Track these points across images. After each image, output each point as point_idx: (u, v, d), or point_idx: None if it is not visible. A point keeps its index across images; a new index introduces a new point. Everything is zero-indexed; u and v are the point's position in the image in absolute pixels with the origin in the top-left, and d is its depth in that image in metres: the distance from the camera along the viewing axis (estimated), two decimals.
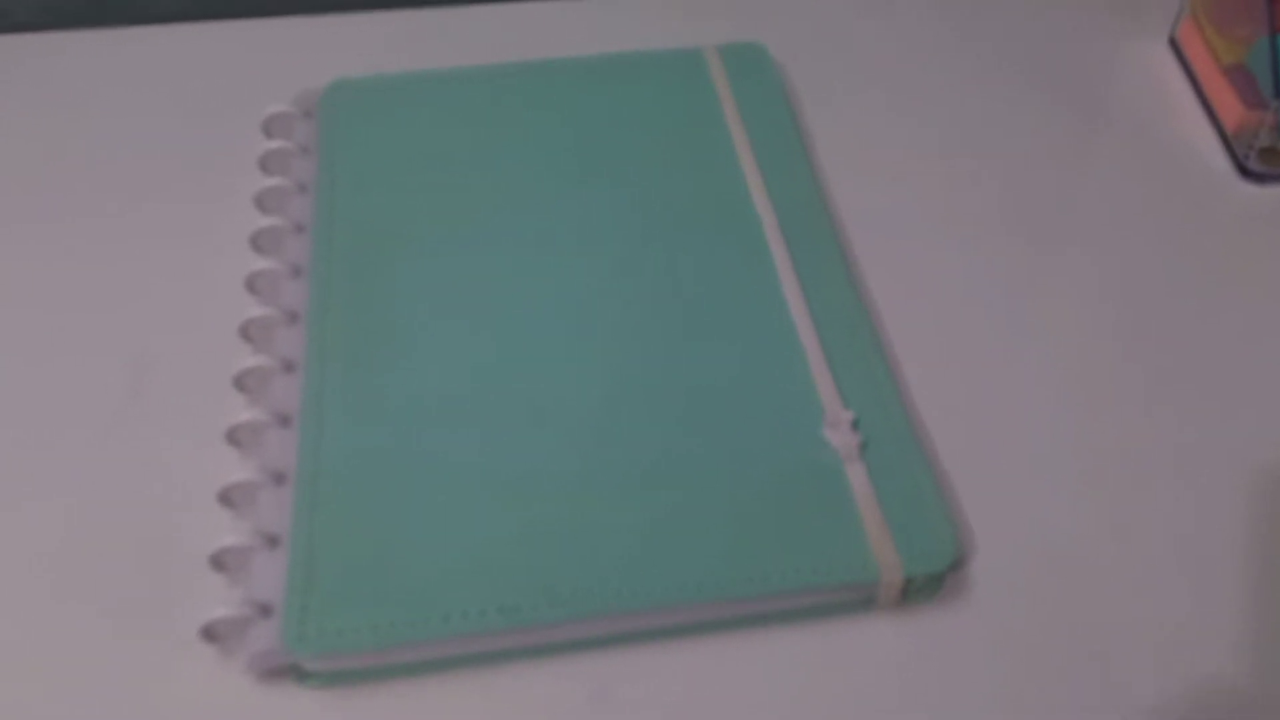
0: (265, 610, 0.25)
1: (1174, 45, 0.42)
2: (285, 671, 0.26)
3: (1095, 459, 0.30)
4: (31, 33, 0.43)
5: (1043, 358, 0.32)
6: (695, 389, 0.29)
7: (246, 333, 0.32)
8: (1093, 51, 0.42)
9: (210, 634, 0.25)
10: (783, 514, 0.27)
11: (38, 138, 0.39)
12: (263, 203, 0.36)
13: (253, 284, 0.33)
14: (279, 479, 0.28)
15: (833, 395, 0.29)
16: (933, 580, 0.26)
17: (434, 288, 0.32)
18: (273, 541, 0.27)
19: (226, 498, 0.28)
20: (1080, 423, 0.31)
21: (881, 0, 0.44)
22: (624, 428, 0.29)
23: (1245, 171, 0.38)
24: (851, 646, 0.26)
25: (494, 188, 0.35)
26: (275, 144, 0.37)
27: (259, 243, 0.34)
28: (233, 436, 0.29)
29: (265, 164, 0.37)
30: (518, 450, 0.28)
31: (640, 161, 0.36)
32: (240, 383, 0.31)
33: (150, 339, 0.33)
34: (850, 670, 0.26)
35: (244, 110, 0.39)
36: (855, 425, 0.28)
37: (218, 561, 0.26)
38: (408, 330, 0.31)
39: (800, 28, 0.43)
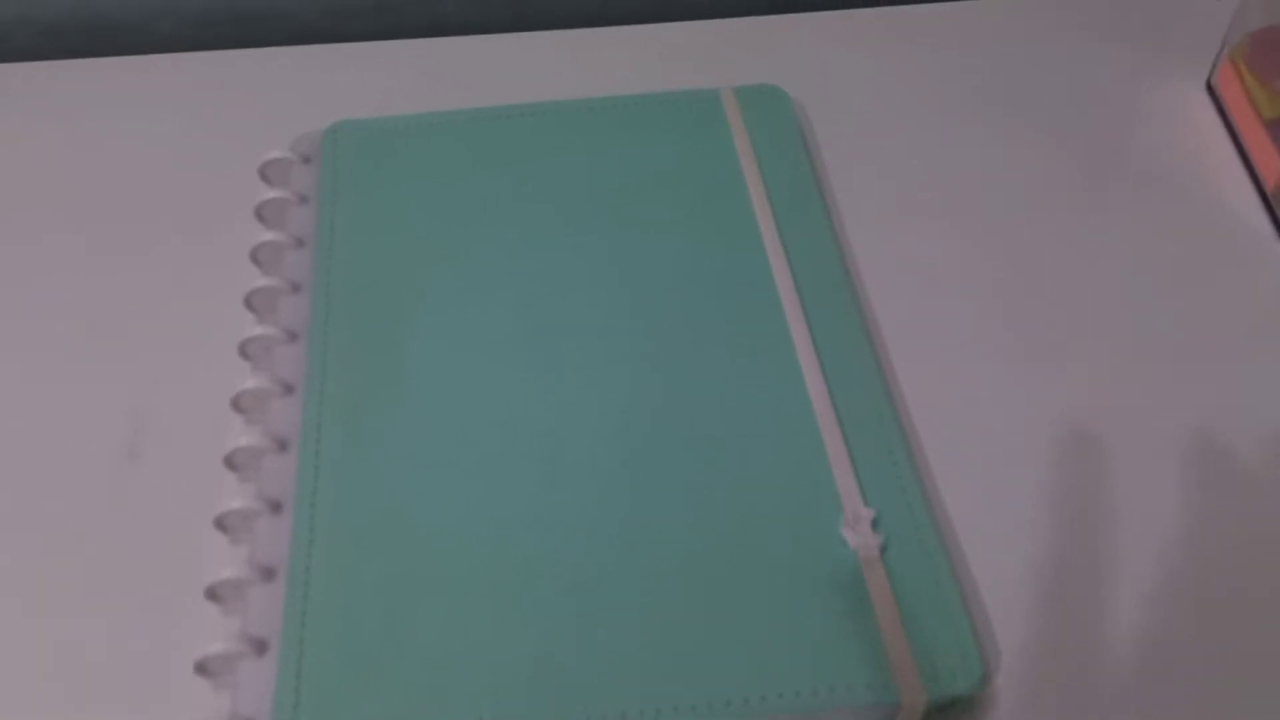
0: None
1: (1211, 91, 0.40)
2: None
3: (1131, 566, 0.28)
4: (30, 61, 0.42)
5: (1075, 443, 0.31)
6: (706, 478, 0.28)
7: (239, 405, 0.31)
8: (1125, 94, 0.40)
9: None
10: (797, 624, 0.25)
11: (26, 172, 0.38)
12: (258, 258, 0.34)
13: (246, 349, 0.32)
14: (269, 574, 0.27)
15: (852, 490, 0.28)
16: (958, 701, 0.25)
17: (438, 357, 0.31)
18: (261, 646, 0.26)
19: (214, 594, 0.27)
20: (1117, 517, 0.29)
21: (903, 44, 0.42)
22: (629, 521, 0.27)
23: None
24: None
25: (502, 241, 0.34)
26: (272, 194, 0.35)
27: (254, 303, 0.33)
28: (222, 523, 0.28)
29: (261, 214, 0.35)
30: (522, 544, 0.27)
31: (654, 215, 0.34)
32: (231, 461, 0.29)
33: (137, 412, 0.31)
34: None
35: (244, 145, 0.38)
36: (876, 525, 0.27)
37: (203, 667, 0.25)
38: (410, 407, 0.30)
39: (820, 72, 0.41)
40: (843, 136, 0.39)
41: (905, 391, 0.31)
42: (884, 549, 0.27)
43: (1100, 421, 0.31)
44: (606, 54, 0.42)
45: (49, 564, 0.28)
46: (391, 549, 0.27)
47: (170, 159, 0.38)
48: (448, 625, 0.25)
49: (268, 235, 0.34)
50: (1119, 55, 0.42)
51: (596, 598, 0.26)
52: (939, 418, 0.31)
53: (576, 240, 0.34)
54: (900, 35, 0.42)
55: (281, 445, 0.29)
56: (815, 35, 0.42)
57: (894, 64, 0.41)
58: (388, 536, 0.27)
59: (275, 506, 0.28)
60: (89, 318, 0.34)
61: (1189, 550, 0.29)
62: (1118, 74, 0.41)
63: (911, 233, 0.36)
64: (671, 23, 0.43)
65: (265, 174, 0.37)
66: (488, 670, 0.25)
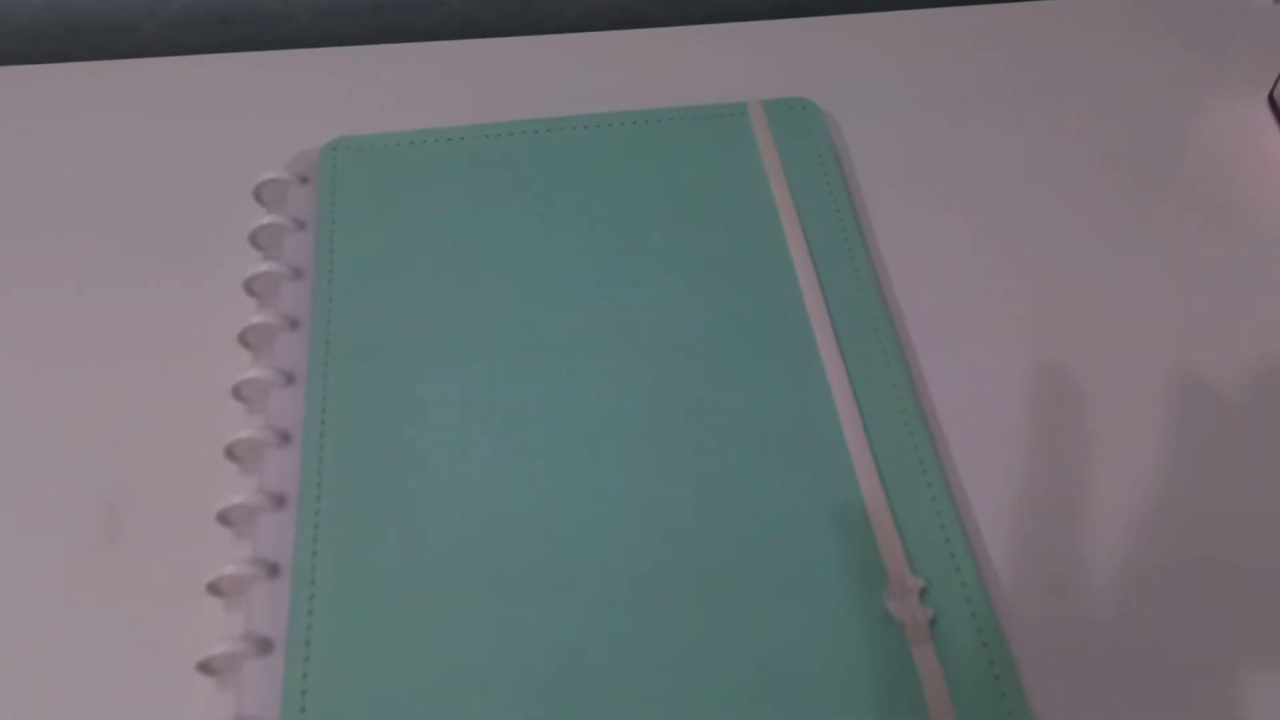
0: None
1: (1274, 104, 0.37)
2: None
3: (1197, 628, 0.26)
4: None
5: (1124, 493, 0.28)
6: (739, 544, 0.26)
7: (233, 453, 0.29)
8: (1179, 103, 0.38)
9: None
10: (840, 704, 0.23)
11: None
12: (253, 289, 0.32)
13: (241, 391, 0.30)
14: (265, 647, 0.25)
15: (897, 556, 0.25)
16: None
17: (447, 400, 0.29)
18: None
19: (208, 667, 0.25)
20: (1179, 576, 0.27)
21: (943, 54, 0.39)
22: (659, 595, 0.25)
23: None
24: None
25: (517, 272, 0.31)
26: (268, 219, 0.33)
27: (249, 340, 0.31)
28: (216, 588, 0.26)
29: (257, 240, 0.33)
30: (537, 626, 0.25)
31: (676, 239, 0.32)
32: (225, 518, 0.27)
33: (126, 456, 0.29)
34: None
35: (235, 161, 0.35)
36: (924, 595, 0.25)
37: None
38: (417, 458, 0.27)
39: (847, 77, 0.38)
40: (871, 143, 0.36)
41: (944, 422, 0.29)
42: (933, 623, 0.25)
43: (1153, 458, 0.29)
44: (622, 59, 0.39)
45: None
46: (398, 613, 0.25)
47: (154, 176, 0.35)
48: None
49: (263, 266, 0.32)
50: (1175, 63, 0.39)
51: (627, 677, 0.24)
52: (979, 447, 0.29)
53: (595, 269, 0.31)
54: (935, 39, 0.40)
55: (279, 502, 0.27)
56: (840, 40, 0.40)
57: (927, 69, 0.39)
58: (394, 600, 0.25)
59: (273, 569, 0.26)
60: (63, 354, 0.31)
61: (1257, 603, 0.26)
62: (1173, 82, 0.38)
63: (946, 245, 0.33)
64: (689, 26, 0.40)
65: (260, 196, 0.34)
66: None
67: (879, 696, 0.23)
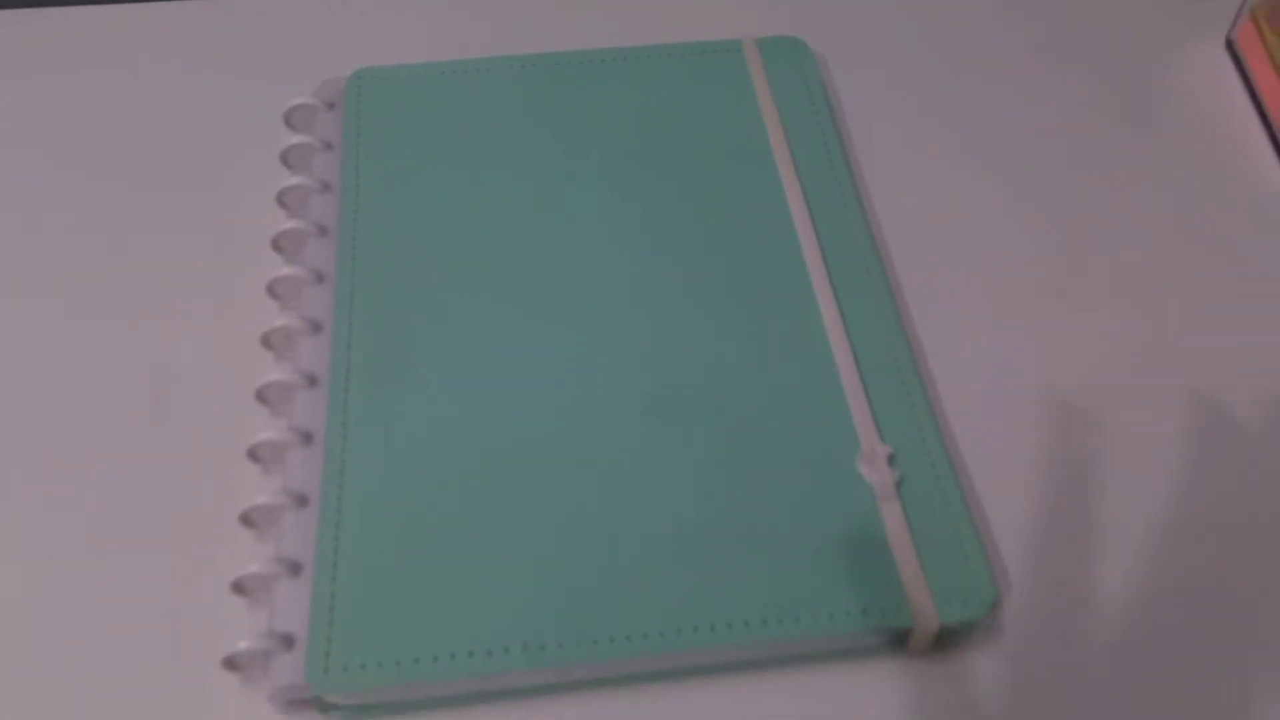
0: (288, 641, 0.25)
1: (1231, 48, 0.40)
2: (309, 703, 0.25)
3: (1137, 504, 0.29)
4: (47, 8, 0.42)
5: (1085, 393, 0.31)
6: (726, 416, 0.29)
7: (269, 341, 0.31)
8: (1145, 49, 0.40)
9: (232, 664, 0.25)
10: (815, 553, 0.26)
11: (46, 123, 0.38)
12: (284, 201, 0.35)
13: (274, 289, 0.32)
14: (302, 501, 0.28)
15: (869, 428, 0.28)
16: (967, 625, 0.26)
17: (463, 299, 0.32)
18: (295, 568, 0.26)
19: (248, 519, 0.28)
20: (1122, 459, 0.30)
21: (932, 2, 0.42)
22: (652, 456, 0.28)
23: None
24: (881, 688, 0.26)
25: (524, 188, 0.34)
26: (297, 139, 0.36)
27: (281, 245, 0.34)
28: (255, 454, 0.29)
29: (287, 159, 0.36)
30: (549, 486, 0.27)
31: (676, 166, 0.35)
32: (263, 396, 0.30)
33: (169, 348, 0.32)
34: (879, 714, 0.25)
35: (267, 91, 0.38)
36: (892, 460, 0.28)
37: (240, 587, 0.26)
38: (436, 347, 0.30)
39: (838, 21, 0.41)
40: (861, 87, 0.39)
41: (922, 336, 0.32)
42: (899, 483, 0.27)
43: (1109, 368, 0.32)
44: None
45: (84, 501, 0.29)
46: (421, 479, 0.28)
47: (192, 107, 0.38)
48: (475, 553, 0.26)
49: (294, 179, 0.35)
50: (1140, 9, 0.42)
51: (621, 527, 0.27)
52: (954, 361, 0.32)
53: (599, 189, 0.34)
54: None
55: (311, 381, 0.30)
56: None
57: (913, 14, 0.42)
58: (417, 466, 0.28)
59: (307, 437, 0.29)
60: (117, 253, 0.34)
61: (1188, 491, 0.29)
62: (1139, 28, 0.41)
63: (930, 183, 0.36)
64: None
65: (290, 120, 0.37)
66: (515, 596, 0.26)
67: (852, 542, 0.26)
